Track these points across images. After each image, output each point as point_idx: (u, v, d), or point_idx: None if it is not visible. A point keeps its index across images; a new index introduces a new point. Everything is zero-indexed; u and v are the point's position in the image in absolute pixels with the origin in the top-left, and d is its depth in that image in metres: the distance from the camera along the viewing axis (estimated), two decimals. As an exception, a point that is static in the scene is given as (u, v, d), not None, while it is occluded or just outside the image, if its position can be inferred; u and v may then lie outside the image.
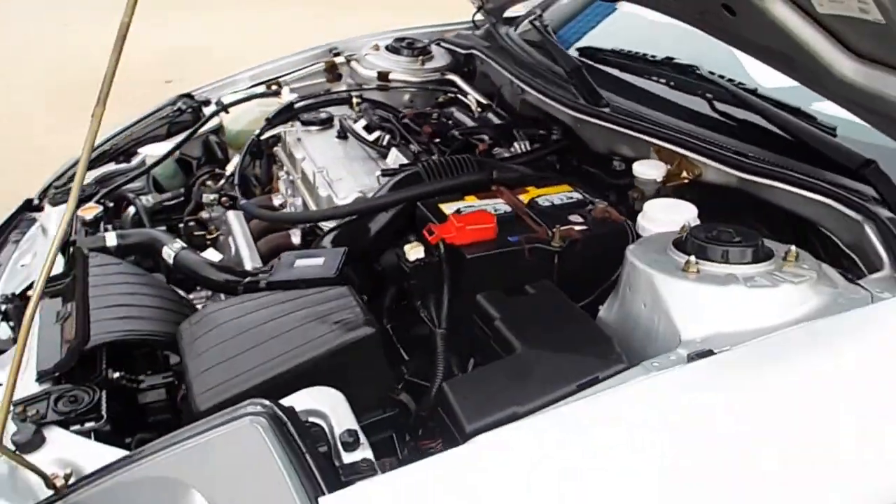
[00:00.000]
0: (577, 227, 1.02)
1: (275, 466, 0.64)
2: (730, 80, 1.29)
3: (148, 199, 1.73)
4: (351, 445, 0.72)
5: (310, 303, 0.92)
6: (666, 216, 1.05)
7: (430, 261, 0.96)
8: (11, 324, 1.14)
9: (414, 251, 0.96)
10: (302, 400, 0.78)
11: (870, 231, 0.91)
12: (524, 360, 0.81)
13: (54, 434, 0.83)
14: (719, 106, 1.27)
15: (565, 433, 0.68)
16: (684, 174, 1.18)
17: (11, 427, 0.81)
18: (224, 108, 1.80)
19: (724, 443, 0.69)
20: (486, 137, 1.42)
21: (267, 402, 0.71)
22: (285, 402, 0.76)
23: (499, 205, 1.09)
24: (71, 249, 1.23)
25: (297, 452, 0.66)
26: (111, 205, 1.51)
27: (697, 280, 0.82)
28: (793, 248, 0.87)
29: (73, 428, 0.83)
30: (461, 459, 0.67)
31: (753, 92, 1.24)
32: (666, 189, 1.17)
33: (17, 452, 0.78)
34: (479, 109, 1.64)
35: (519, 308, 0.89)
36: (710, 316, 0.79)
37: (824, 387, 0.74)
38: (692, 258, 0.83)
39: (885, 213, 0.94)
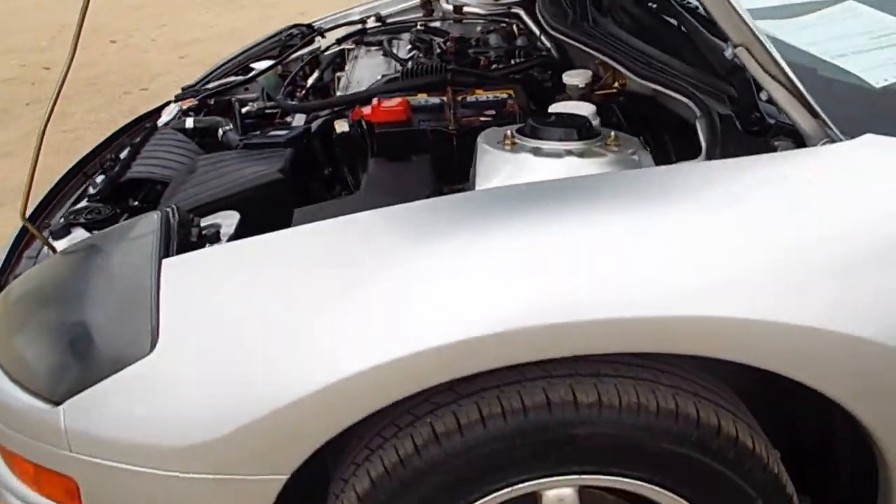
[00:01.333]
0: (482, 118, 1.22)
1: (151, 236, 0.98)
2: None
3: (253, 105, 2.18)
4: (219, 237, 1.03)
5: (257, 155, 1.24)
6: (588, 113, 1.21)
7: (352, 133, 1.23)
8: None
9: (340, 125, 1.24)
10: (211, 217, 1.10)
11: (698, 124, 1.01)
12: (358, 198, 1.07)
13: (78, 233, 1.23)
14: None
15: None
16: (616, 84, 1.31)
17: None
18: (320, 32, 2.17)
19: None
20: (490, 54, 1.63)
21: (176, 207, 1.05)
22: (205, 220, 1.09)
23: (435, 98, 1.33)
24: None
25: (167, 229, 0.98)
26: (212, 102, 1.95)
27: (505, 149, 1.00)
28: (613, 133, 1.01)
29: (93, 232, 1.24)
30: (287, 237, 0.94)
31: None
32: (594, 96, 1.31)
33: (44, 235, 1.20)
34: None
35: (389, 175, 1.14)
36: (500, 178, 0.97)
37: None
38: (509, 132, 1.01)
39: (724, 109, 1.03)
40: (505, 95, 1.29)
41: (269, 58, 2.29)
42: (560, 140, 1.03)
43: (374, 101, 1.24)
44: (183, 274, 0.94)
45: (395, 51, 1.79)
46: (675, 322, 0.85)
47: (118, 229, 1.09)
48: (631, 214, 0.88)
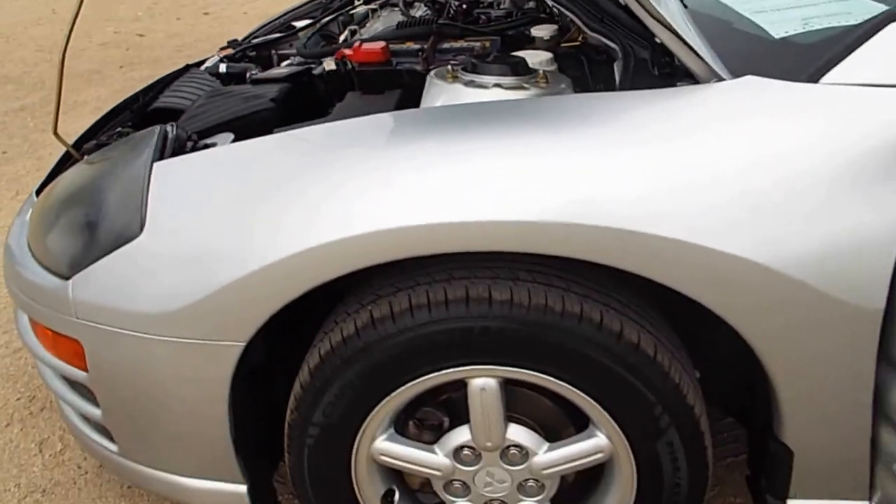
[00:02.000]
0: (452, 63, 1.35)
1: (150, 146, 1.16)
2: None
3: (292, 59, 2.36)
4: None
5: (259, 89, 1.40)
6: (534, 61, 1.32)
7: (338, 70, 1.38)
8: None
9: (328, 63, 1.39)
10: (211, 138, 1.27)
11: (616, 66, 1.10)
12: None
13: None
14: None
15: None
16: (581, 37, 1.40)
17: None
18: (362, -6, 2.34)
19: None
20: (490, 12, 1.74)
21: (174, 125, 1.22)
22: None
23: (416, 45, 1.46)
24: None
25: (164, 141, 1.16)
26: (252, 54, 2.14)
27: (446, 81, 1.12)
28: (542, 70, 1.12)
29: None
30: (252, 145, 1.10)
31: None
32: (559, 48, 1.41)
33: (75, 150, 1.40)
34: None
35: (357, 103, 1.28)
36: (436, 105, 1.09)
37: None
38: (451, 67, 1.13)
39: (643, 54, 1.11)
40: (477, 45, 1.41)
41: (310, 17, 2.49)
42: (493, 75, 1.14)
43: (357, 43, 1.39)
44: (168, 173, 1.12)
45: (413, 11, 1.93)
46: (571, 229, 0.95)
47: (127, 141, 1.28)
48: (539, 131, 1.00)
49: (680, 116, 1.00)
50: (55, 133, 1.39)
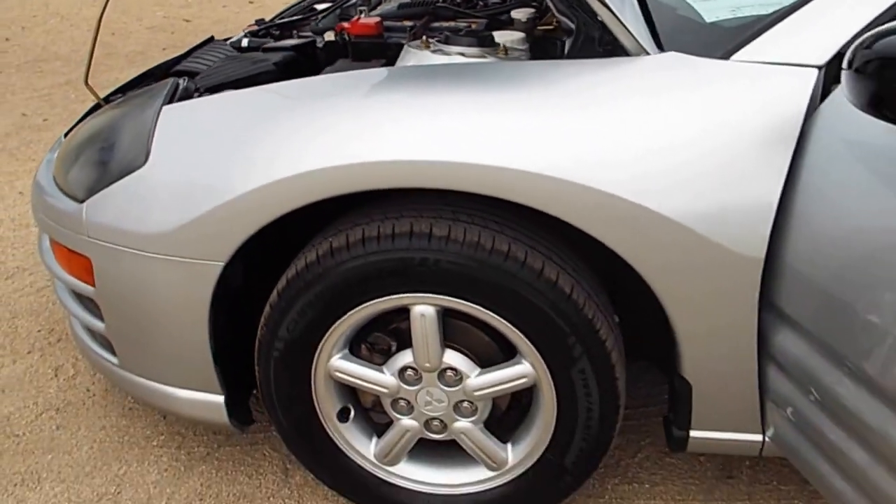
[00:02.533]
0: (428, 35, 1.52)
1: (162, 94, 1.35)
2: None
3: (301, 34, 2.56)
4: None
5: (266, 56, 1.59)
6: (504, 40, 1.48)
7: (336, 41, 1.57)
8: None
9: (328, 35, 1.58)
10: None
11: (567, 42, 1.26)
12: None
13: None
14: None
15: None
16: (555, 20, 1.56)
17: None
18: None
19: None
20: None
21: (186, 78, 1.42)
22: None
23: (409, 23, 1.63)
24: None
25: (175, 91, 1.35)
26: (276, 32, 2.34)
27: (418, 50, 1.29)
28: (503, 44, 1.28)
29: None
30: (243, 94, 1.29)
31: None
32: (536, 30, 1.56)
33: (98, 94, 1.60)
34: None
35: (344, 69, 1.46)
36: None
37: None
38: (425, 37, 1.30)
39: (593, 32, 1.27)
40: (465, 25, 1.58)
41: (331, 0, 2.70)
42: (459, 45, 1.31)
43: (354, 17, 1.58)
44: (172, 115, 1.31)
45: None
46: (502, 172, 1.11)
47: (145, 90, 1.48)
48: (483, 89, 1.17)
49: (605, 83, 1.16)
50: (86, 83, 1.60)
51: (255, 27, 2.23)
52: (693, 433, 1.30)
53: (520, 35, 1.46)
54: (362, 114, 1.17)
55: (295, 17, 2.35)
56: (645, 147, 1.10)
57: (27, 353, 1.97)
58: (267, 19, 2.45)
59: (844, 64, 0.90)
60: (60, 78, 4.38)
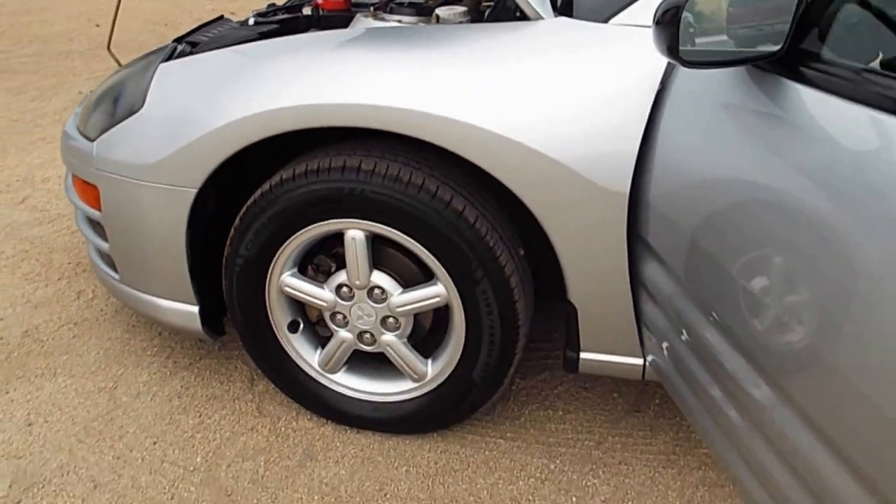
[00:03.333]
0: (374, 6, 1.76)
1: (161, 53, 1.64)
2: None
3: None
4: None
5: (258, 28, 1.87)
6: (443, 13, 1.71)
7: (311, 16, 1.83)
8: None
9: (305, 10, 1.85)
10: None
11: (487, 11, 1.48)
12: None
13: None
14: None
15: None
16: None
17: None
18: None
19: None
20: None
21: (185, 43, 1.71)
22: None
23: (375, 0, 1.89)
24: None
25: (173, 52, 1.64)
26: (282, 13, 2.62)
27: (366, 18, 1.54)
28: (436, 14, 1.52)
29: None
30: (223, 52, 1.57)
31: None
32: (481, 5, 1.79)
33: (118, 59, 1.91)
34: None
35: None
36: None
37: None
38: (373, 8, 1.55)
39: (511, 3, 1.49)
40: (421, 1, 1.83)
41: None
42: (399, 14, 1.56)
43: (328, -6, 1.86)
44: (165, 70, 1.60)
45: None
46: (419, 115, 1.35)
47: (151, 53, 1.77)
48: (401, 46, 1.41)
49: (504, 43, 1.39)
50: (108, 49, 1.91)
51: (264, 8, 2.54)
52: (583, 355, 1.51)
53: (462, 9, 1.70)
54: (297, 67, 1.43)
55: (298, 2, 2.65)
56: (533, 96, 1.33)
57: (57, 280, 2.29)
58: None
59: (653, 20, 1.10)
60: (112, 63, 4.80)
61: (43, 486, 1.56)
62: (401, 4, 1.64)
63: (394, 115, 1.36)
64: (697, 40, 1.02)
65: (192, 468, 1.60)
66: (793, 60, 1.01)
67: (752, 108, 1.08)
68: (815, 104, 0.98)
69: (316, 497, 1.52)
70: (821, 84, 0.97)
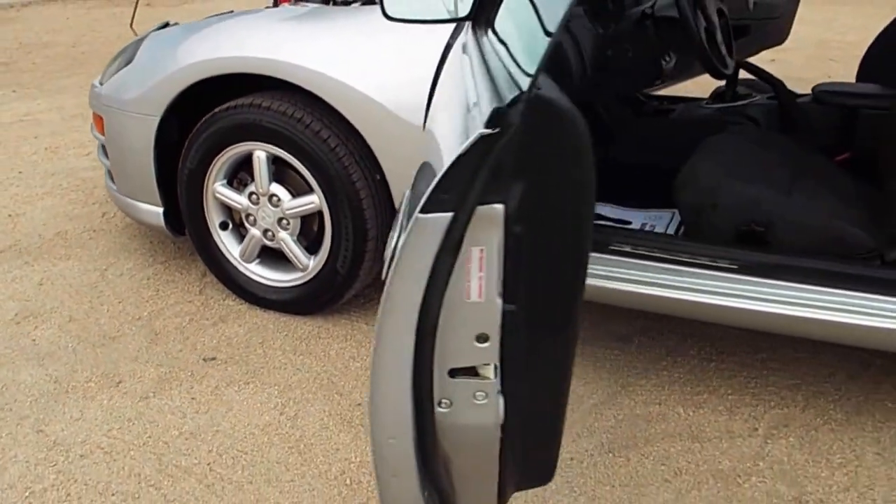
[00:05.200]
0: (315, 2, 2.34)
1: (156, 27, 2.29)
2: None
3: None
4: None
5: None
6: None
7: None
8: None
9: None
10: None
11: None
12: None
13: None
14: None
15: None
16: None
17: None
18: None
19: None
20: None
21: (174, 22, 2.35)
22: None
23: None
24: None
25: (164, 26, 2.29)
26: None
27: (292, 3, 2.13)
28: (355, 3, 2.09)
29: None
30: (203, 22, 2.20)
31: None
32: None
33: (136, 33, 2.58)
34: None
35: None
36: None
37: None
38: (296, -2, 2.15)
39: None
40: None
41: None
42: (311, 3, 2.13)
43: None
44: (153, 36, 2.25)
45: None
46: (306, 71, 1.92)
47: (152, 29, 2.43)
48: (295, 20, 1.99)
49: (360, 20, 1.95)
50: (131, 26, 2.59)
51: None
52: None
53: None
54: (229, 32, 2.05)
55: None
56: (368, 55, 1.87)
57: (92, 204, 3.01)
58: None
59: None
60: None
61: (37, 318, 2.21)
62: (310, -3, 2.24)
63: (276, 66, 1.94)
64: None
65: (138, 318, 2.21)
66: (475, 22, 1.51)
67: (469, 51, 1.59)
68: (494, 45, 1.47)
69: (215, 342, 2.10)
70: (494, 35, 1.47)
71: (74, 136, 3.88)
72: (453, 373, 0.88)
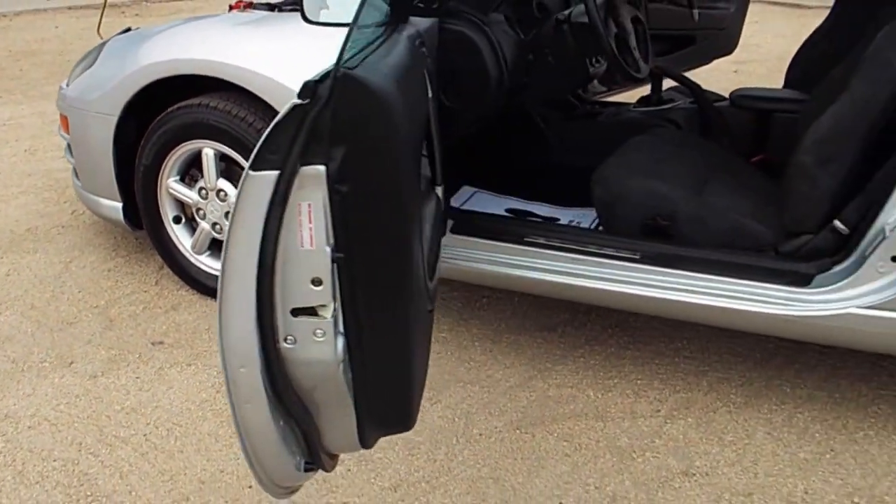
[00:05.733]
0: (261, 9, 2.49)
1: (119, 32, 2.44)
2: None
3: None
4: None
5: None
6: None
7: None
8: None
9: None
10: None
11: None
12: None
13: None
14: None
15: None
16: None
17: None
18: None
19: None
20: None
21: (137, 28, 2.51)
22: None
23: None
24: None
25: (128, 29, 2.44)
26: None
27: (241, 10, 2.28)
28: (278, 7, 2.24)
29: None
30: (150, 29, 2.35)
31: None
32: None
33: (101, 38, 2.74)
34: None
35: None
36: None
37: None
38: (244, 5, 2.29)
39: None
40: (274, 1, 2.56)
41: None
42: (259, 9, 2.28)
43: None
44: (113, 40, 2.41)
45: None
46: (241, 70, 2.07)
47: (115, 34, 2.58)
48: (234, 27, 2.14)
49: (287, 26, 2.09)
50: (98, 32, 2.74)
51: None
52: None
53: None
54: (175, 37, 2.19)
55: None
56: (295, 54, 2.02)
57: (63, 202, 3.15)
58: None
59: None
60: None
61: (1, 305, 2.35)
62: (260, 4, 2.38)
63: (215, 66, 2.09)
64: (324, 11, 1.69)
65: (95, 306, 2.35)
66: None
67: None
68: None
69: (165, 328, 2.23)
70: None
71: (53, 140, 4.03)
72: (295, 312, 1.02)
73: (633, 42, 2.12)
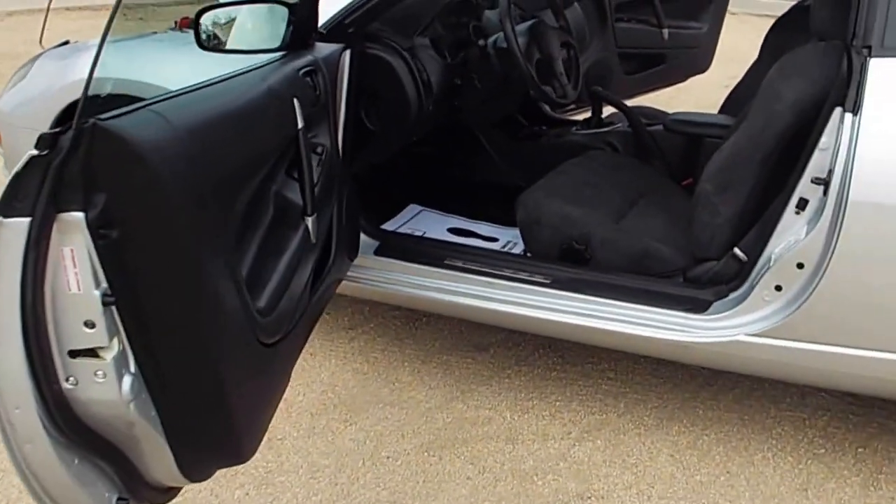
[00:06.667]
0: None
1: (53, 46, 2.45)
2: None
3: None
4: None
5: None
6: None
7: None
8: None
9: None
10: None
11: None
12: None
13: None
14: None
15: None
16: None
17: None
18: None
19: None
20: None
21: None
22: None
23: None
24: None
25: (62, 44, 2.45)
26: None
27: (176, 31, 2.29)
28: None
29: None
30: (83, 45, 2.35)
31: None
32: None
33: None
34: None
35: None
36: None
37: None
38: (179, 26, 2.30)
39: None
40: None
41: None
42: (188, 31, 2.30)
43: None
44: (45, 55, 2.41)
45: None
46: (156, 88, 2.06)
47: (51, 47, 2.58)
48: (161, 50, 2.14)
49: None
50: (40, 43, 2.74)
51: None
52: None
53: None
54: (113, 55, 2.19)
55: None
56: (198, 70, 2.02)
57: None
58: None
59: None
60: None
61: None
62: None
63: (127, 84, 2.09)
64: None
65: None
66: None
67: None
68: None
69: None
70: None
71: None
72: (73, 354, 1.04)
73: (559, 68, 2.13)
